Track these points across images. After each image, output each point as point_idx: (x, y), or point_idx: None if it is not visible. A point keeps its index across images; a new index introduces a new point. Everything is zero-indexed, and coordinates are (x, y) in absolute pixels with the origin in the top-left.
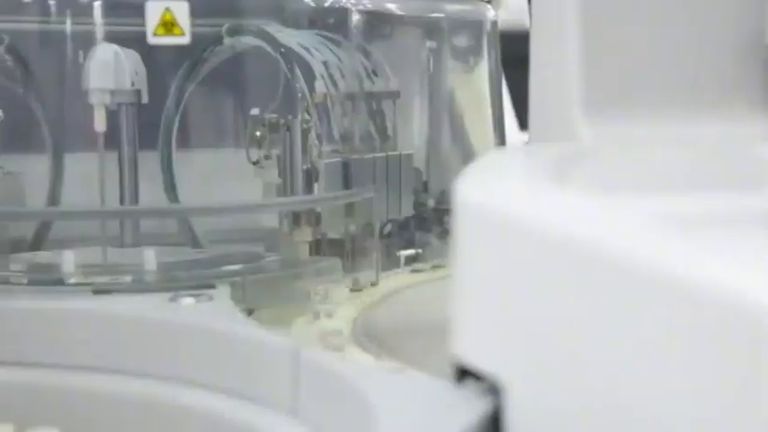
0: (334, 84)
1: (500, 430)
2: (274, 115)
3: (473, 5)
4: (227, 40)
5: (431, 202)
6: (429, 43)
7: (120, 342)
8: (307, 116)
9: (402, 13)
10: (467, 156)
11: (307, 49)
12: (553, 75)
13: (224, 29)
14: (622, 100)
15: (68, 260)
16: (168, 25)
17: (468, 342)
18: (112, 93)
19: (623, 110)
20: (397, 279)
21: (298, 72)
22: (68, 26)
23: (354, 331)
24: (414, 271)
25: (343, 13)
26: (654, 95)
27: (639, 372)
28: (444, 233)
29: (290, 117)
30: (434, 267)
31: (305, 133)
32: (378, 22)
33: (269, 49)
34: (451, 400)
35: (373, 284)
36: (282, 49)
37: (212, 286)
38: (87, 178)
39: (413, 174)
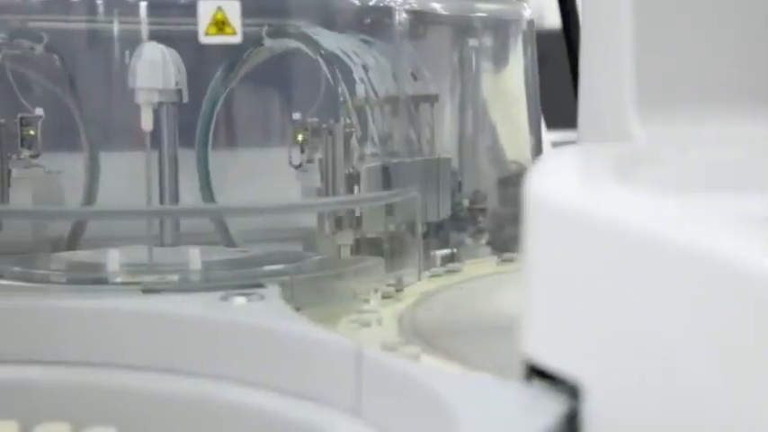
0: (374, 88)
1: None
2: (316, 119)
3: (511, 4)
4: (267, 42)
5: (465, 202)
6: (472, 42)
7: (174, 341)
8: (348, 120)
9: (445, 13)
10: (498, 156)
11: (346, 53)
12: (605, 75)
13: (264, 30)
14: (674, 100)
15: (113, 259)
16: (220, 24)
17: (543, 341)
18: (159, 92)
19: (675, 110)
20: (436, 278)
21: (339, 75)
22: (111, 25)
23: (401, 331)
24: (450, 271)
25: (388, 12)
26: (705, 95)
27: (730, 375)
28: (478, 233)
29: (332, 121)
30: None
31: (346, 137)
32: (421, 22)
33: (309, 52)
34: (526, 400)
35: (413, 284)
36: (323, 52)
37: (261, 285)
38: (125, 177)
39: (451, 177)
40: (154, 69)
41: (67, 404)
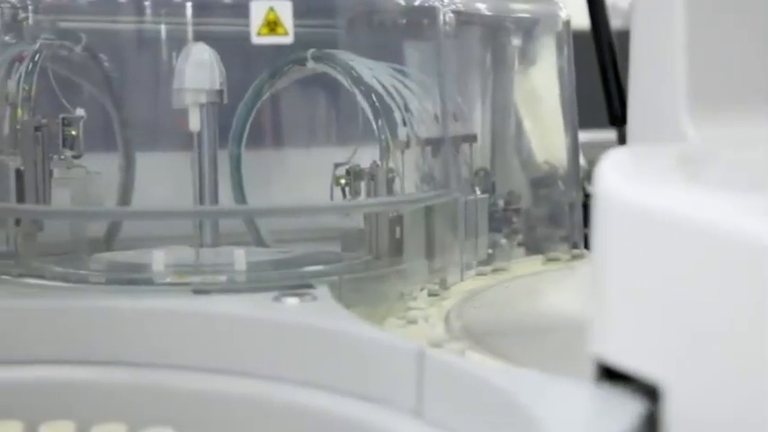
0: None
1: None
2: (358, 165)
3: (547, 5)
4: (310, 64)
5: (500, 203)
6: (507, 42)
7: (230, 342)
8: (389, 164)
9: (489, 13)
10: (531, 156)
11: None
12: (658, 76)
13: (310, 53)
14: (727, 100)
15: (159, 260)
16: (272, 25)
17: (618, 341)
18: (206, 93)
19: (727, 110)
20: (477, 279)
21: (381, 116)
22: (152, 25)
23: (448, 329)
24: (495, 270)
25: (433, 12)
26: (757, 95)
27: None
28: (512, 233)
29: (374, 164)
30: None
31: (389, 181)
32: (466, 23)
33: (352, 87)
34: (602, 400)
35: (457, 284)
36: (362, 88)
37: (311, 286)
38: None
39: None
40: (202, 70)
41: (123, 404)
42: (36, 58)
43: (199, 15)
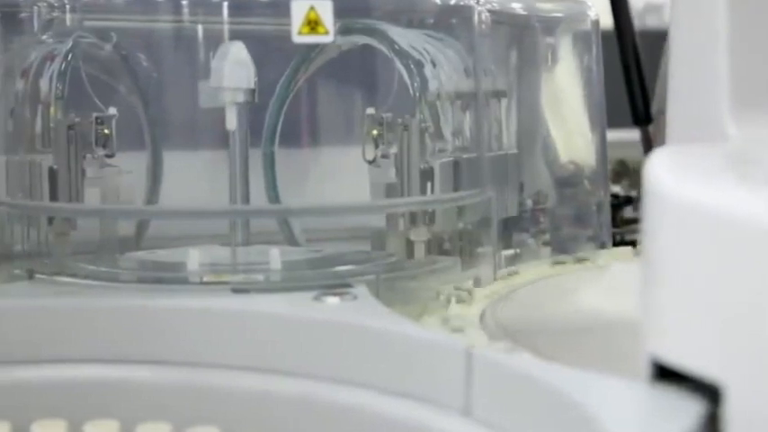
0: (444, 84)
1: None
2: (390, 114)
3: (575, 3)
4: (337, 39)
5: (529, 203)
6: (535, 40)
7: (273, 342)
8: (422, 116)
9: (523, 12)
10: (556, 156)
11: (417, 50)
12: (699, 76)
13: (337, 26)
14: None
15: (194, 259)
16: (312, 24)
17: (674, 341)
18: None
19: None
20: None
21: (414, 71)
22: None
23: (484, 328)
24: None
25: (468, 11)
26: None
27: None
28: (539, 233)
29: (408, 116)
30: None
31: (421, 132)
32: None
33: (382, 47)
34: (659, 400)
35: (490, 283)
36: (396, 47)
37: (349, 285)
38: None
39: (518, 174)
40: (240, 69)
41: (168, 404)
42: (69, 57)
43: (232, 15)
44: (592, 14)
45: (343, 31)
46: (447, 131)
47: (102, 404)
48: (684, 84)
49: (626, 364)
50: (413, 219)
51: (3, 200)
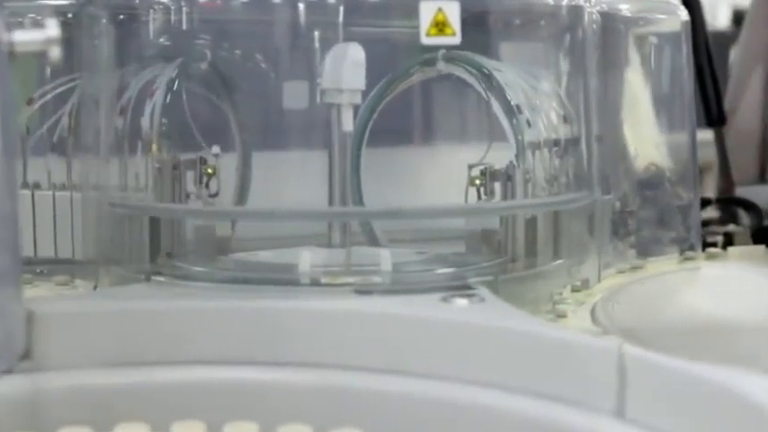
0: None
1: None
2: (493, 164)
3: (667, 4)
4: (440, 65)
5: (617, 205)
6: (624, 42)
7: (410, 344)
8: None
9: (630, 15)
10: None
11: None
12: None
13: (440, 54)
14: None
15: (305, 260)
16: (440, 25)
17: None
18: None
19: None
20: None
21: (519, 118)
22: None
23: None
24: (633, 268)
25: (579, 12)
26: None
27: None
28: (626, 235)
29: (511, 165)
30: (633, 268)
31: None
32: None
33: (479, 89)
34: None
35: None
36: (494, 83)
37: (470, 287)
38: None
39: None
40: (358, 71)
41: (308, 405)
42: (174, 87)
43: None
44: (682, 15)
45: (447, 59)
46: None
47: (238, 406)
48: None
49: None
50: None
51: (116, 201)
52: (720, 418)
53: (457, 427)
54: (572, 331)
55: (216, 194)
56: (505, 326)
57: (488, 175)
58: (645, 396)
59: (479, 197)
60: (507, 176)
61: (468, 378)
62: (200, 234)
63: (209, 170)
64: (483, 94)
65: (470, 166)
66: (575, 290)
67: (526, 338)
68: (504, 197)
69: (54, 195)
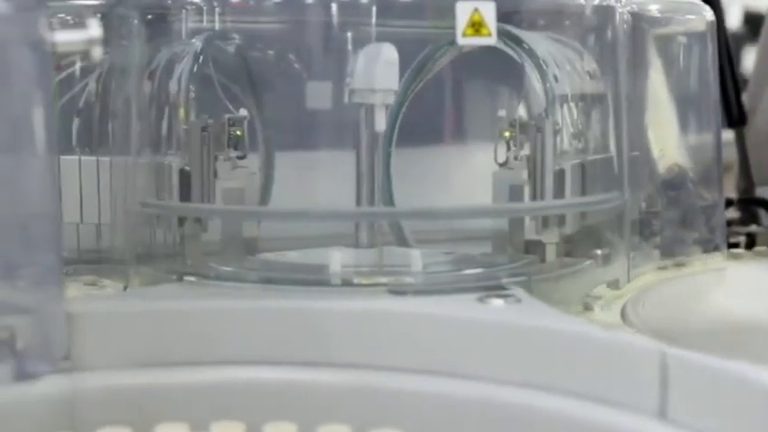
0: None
1: None
2: (523, 116)
3: (692, 4)
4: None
5: (642, 205)
6: (682, 39)
7: (447, 344)
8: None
9: (659, 15)
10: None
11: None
12: None
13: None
14: None
15: (336, 260)
16: (476, 26)
17: None
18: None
19: None
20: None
21: (547, 73)
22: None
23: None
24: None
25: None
26: None
27: None
28: (651, 235)
29: (542, 117)
30: (659, 269)
31: (554, 134)
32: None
33: (510, 51)
34: None
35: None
36: (525, 46)
37: (504, 287)
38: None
39: (638, 175)
40: (392, 70)
41: (346, 406)
42: (200, 59)
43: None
44: (708, 15)
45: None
46: (576, 134)
47: (275, 406)
48: None
49: None
50: (544, 221)
51: (147, 201)
52: (762, 417)
53: (494, 428)
54: (614, 331)
55: (243, 156)
56: (545, 326)
57: (518, 127)
58: (687, 396)
59: (508, 148)
60: (537, 128)
61: (505, 379)
62: (228, 234)
63: (238, 131)
64: (517, 58)
65: (500, 120)
66: (606, 289)
67: (566, 338)
68: (534, 151)
69: (80, 160)
